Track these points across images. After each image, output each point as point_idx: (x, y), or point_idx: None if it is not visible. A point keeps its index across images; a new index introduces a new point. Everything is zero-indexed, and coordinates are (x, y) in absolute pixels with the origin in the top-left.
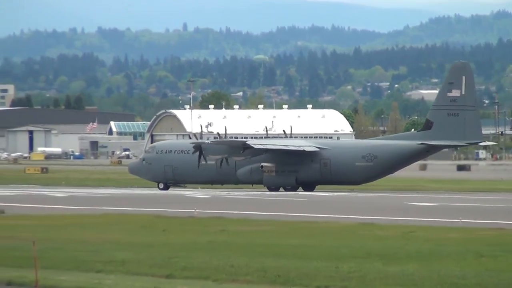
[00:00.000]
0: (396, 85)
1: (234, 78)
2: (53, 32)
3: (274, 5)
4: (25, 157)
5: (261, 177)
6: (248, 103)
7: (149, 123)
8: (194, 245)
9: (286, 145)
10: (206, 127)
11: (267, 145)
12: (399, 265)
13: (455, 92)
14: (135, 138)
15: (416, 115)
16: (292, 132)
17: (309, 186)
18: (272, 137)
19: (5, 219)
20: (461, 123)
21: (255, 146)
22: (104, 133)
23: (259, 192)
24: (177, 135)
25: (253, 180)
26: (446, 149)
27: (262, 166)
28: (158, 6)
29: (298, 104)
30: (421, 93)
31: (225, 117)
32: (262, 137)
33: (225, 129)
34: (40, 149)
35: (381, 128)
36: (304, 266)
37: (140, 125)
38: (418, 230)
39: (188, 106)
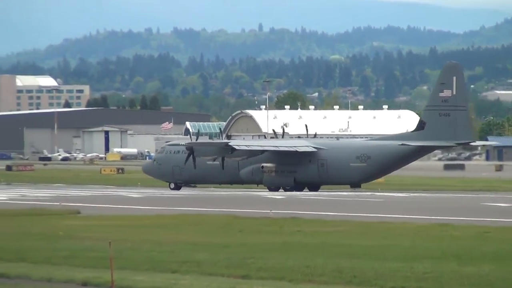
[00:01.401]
0: (471, 86)
1: (310, 78)
2: (129, 32)
3: (349, 5)
4: (101, 158)
5: (262, 177)
6: (324, 104)
7: (224, 123)
8: (269, 246)
9: (277, 146)
10: (282, 127)
11: (252, 146)
12: (475, 265)
13: (446, 93)
14: (210, 139)
15: (491, 116)
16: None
17: (313, 187)
18: (270, 138)
19: (81, 219)
20: (452, 123)
21: (236, 147)
22: (179, 134)
23: (334, 193)
24: (252, 135)
25: (254, 180)
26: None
27: (263, 167)
28: (234, 7)
29: (373, 104)
30: (496, 94)
31: (300, 117)
32: (274, 137)
33: (306, 127)
34: (115, 149)
35: None
36: (380, 266)
37: (216, 125)
38: (494, 231)
39: (264, 107)
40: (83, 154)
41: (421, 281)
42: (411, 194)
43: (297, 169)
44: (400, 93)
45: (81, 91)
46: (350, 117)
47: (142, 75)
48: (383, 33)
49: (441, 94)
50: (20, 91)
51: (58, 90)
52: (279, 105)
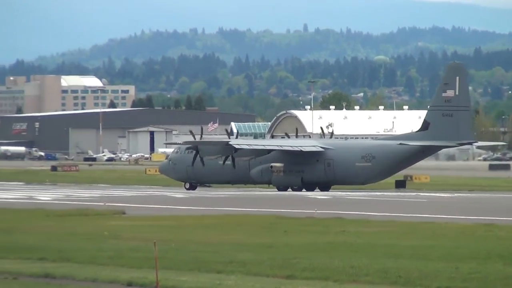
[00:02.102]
0: None
1: (355, 78)
2: (174, 32)
3: (394, 5)
4: (146, 158)
5: (271, 177)
6: (369, 104)
7: (269, 123)
8: (314, 246)
9: (281, 145)
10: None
11: (254, 145)
12: None
13: (449, 93)
14: (255, 139)
15: None
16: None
17: (324, 187)
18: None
19: (126, 220)
20: (455, 123)
21: (236, 146)
22: (224, 134)
23: (379, 193)
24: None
25: (264, 180)
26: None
27: (271, 166)
28: (279, 7)
29: (418, 104)
30: None
31: (345, 118)
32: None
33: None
34: (161, 149)
35: (502, 129)
36: (425, 266)
37: (261, 125)
38: None
39: (309, 107)
40: (128, 154)
41: (466, 281)
42: (456, 194)
43: (305, 169)
44: None
45: (126, 91)
46: (395, 117)
47: (187, 75)
48: (428, 33)
49: (444, 94)
50: (65, 91)
51: (103, 91)
52: (324, 105)
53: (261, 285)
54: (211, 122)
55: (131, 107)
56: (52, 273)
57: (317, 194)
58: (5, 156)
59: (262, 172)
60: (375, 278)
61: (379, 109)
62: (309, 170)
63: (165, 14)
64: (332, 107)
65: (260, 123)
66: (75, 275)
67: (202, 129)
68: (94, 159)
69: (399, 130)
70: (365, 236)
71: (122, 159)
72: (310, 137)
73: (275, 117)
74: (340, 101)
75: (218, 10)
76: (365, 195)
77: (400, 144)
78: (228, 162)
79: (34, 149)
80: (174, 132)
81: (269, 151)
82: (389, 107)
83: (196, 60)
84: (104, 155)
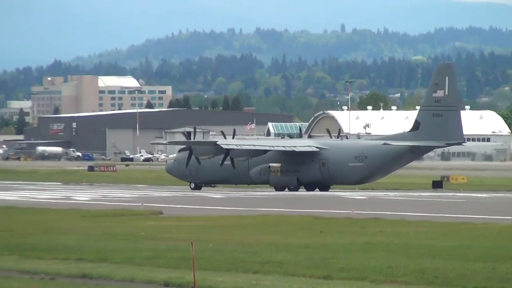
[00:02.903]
0: None
1: (392, 79)
2: (211, 33)
3: (431, 6)
4: None
5: (269, 177)
6: (406, 104)
7: (307, 124)
8: (351, 246)
9: (272, 146)
10: (364, 128)
11: (243, 146)
12: None
13: (439, 93)
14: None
15: None
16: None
17: (323, 187)
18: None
19: (163, 220)
20: (445, 123)
21: (224, 147)
22: (262, 134)
23: (416, 194)
24: (331, 136)
25: (262, 180)
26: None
27: (269, 167)
28: (316, 7)
29: None
30: None
31: (383, 118)
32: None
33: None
34: None
35: None
36: (462, 267)
37: (298, 126)
38: None
39: (346, 107)
40: (165, 154)
41: (503, 281)
42: (493, 195)
43: (301, 169)
44: (482, 94)
45: (163, 91)
46: None
47: (225, 75)
48: (465, 34)
49: (434, 95)
50: (102, 91)
51: (140, 91)
52: (361, 106)
53: (298, 285)
54: (249, 123)
55: (168, 107)
56: (89, 273)
57: (354, 194)
58: (42, 157)
59: (261, 172)
60: (412, 279)
61: (416, 109)
62: (304, 170)
63: (203, 14)
64: (369, 107)
65: (297, 123)
66: (112, 276)
67: (234, 131)
68: (131, 159)
69: None
70: (402, 236)
71: (159, 159)
72: (347, 137)
73: (313, 118)
74: (377, 102)
75: (255, 10)
76: (402, 195)
77: (384, 144)
78: (228, 162)
79: (71, 149)
80: (211, 133)
81: (265, 151)
82: None
83: (233, 60)
84: (141, 156)
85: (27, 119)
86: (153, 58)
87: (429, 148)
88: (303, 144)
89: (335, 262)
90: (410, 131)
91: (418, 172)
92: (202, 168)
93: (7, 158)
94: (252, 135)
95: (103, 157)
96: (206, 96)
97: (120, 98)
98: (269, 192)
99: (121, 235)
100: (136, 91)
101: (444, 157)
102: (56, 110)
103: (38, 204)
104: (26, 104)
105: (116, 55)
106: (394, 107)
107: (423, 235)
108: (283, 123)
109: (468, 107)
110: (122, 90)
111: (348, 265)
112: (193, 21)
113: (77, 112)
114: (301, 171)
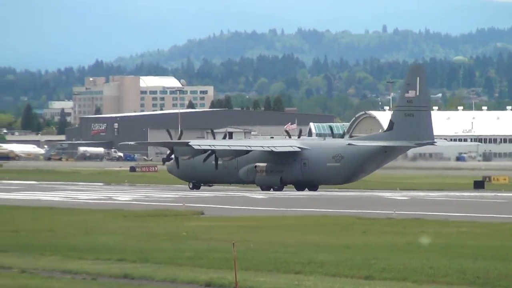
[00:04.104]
0: None
1: (434, 79)
2: (253, 33)
3: (473, 6)
4: None
5: (255, 176)
6: (448, 105)
7: (348, 124)
8: (393, 247)
9: (250, 146)
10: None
11: (216, 146)
12: None
13: (411, 93)
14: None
15: None
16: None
17: (313, 187)
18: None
19: (204, 220)
20: (416, 123)
21: (194, 147)
22: (304, 135)
23: (458, 194)
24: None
25: (249, 179)
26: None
27: (255, 166)
28: (358, 8)
29: (497, 105)
30: None
31: None
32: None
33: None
34: None
35: None
36: (504, 267)
37: (340, 126)
38: None
39: (388, 108)
40: None
41: None
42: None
43: (284, 168)
44: None
45: (205, 92)
46: (473, 118)
47: (266, 76)
48: (506, 34)
49: (406, 95)
50: (144, 92)
51: (181, 91)
52: None
53: (339, 285)
54: (289, 123)
55: (210, 107)
56: (131, 273)
57: (395, 195)
58: (84, 157)
59: (248, 172)
60: (454, 279)
61: (458, 110)
62: (287, 170)
63: (244, 15)
64: None
65: (339, 123)
66: (154, 276)
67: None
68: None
69: (478, 131)
70: (444, 236)
71: None
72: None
73: (354, 118)
74: None
75: (297, 10)
76: (443, 195)
77: (349, 144)
78: (220, 162)
79: (113, 149)
80: (253, 133)
81: (247, 151)
82: (468, 107)
83: (275, 60)
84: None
85: (68, 119)
86: (195, 59)
87: (403, 149)
88: (285, 144)
89: (377, 263)
90: (385, 131)
91: (460, 172)
92: (198, 168)
93: (49, 159)
94: (293, 135)
95: (145, 157)
96: (247, 96)
97: (162, 99)
98: (310, 193)
99: (163, 235)
100: (178, 91)
101: (486, 157)
102: (98, 111)
103: (79, 204)
104: (67, 105)
105: (158, 56)
106: (435, 107)
107: (465, 235)
108: (324, 123)
109: (510, 107)
110: (163, 91)
111: (389, 266)
112: (235, 21)
113: (119, 112)
114: (284, 171)
